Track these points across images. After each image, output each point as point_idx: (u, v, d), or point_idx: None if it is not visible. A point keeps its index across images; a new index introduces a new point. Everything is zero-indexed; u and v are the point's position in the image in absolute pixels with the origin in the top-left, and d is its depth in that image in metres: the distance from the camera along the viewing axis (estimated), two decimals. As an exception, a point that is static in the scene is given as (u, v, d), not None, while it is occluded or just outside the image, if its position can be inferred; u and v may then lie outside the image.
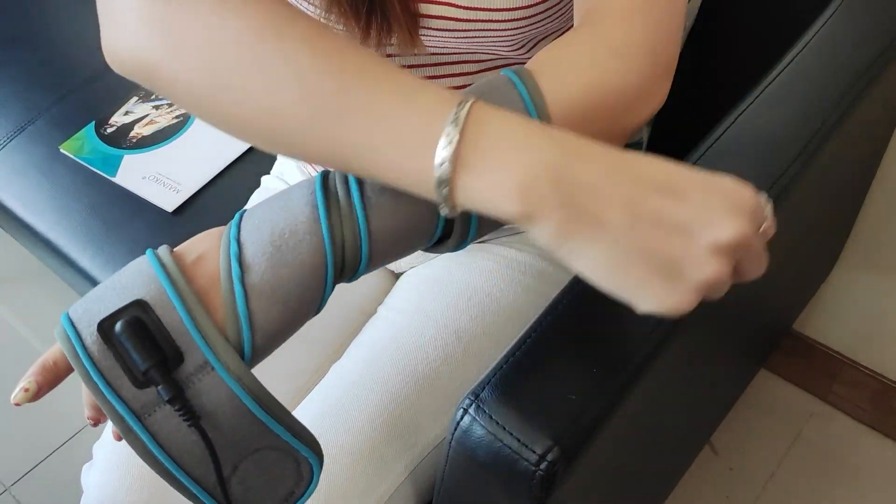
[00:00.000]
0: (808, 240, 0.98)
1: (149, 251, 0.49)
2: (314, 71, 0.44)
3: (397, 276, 0.91)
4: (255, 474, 0.50)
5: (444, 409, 0.74)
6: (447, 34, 0.67)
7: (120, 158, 1.17)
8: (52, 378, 0.49)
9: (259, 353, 0.50)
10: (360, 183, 0.49)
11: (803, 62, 0.78)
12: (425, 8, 0.65)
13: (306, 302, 0.50)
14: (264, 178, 0.99)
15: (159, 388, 0.46)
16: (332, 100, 0.44)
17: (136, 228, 1.09)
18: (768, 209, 0.45)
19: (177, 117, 1.21)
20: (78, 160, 1.17)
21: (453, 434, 0.59)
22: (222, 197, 1.11)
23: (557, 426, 0.55)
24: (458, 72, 0.72)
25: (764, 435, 1.34)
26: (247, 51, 0.45)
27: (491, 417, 0.56)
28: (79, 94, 1.28)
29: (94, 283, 1.07)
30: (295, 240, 0.48)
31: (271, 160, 1.03)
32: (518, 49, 0.70)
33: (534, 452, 0.55)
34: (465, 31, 0.66)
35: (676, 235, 0.40)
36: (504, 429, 0.56)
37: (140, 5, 0.48)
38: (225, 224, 0.98)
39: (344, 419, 0.72)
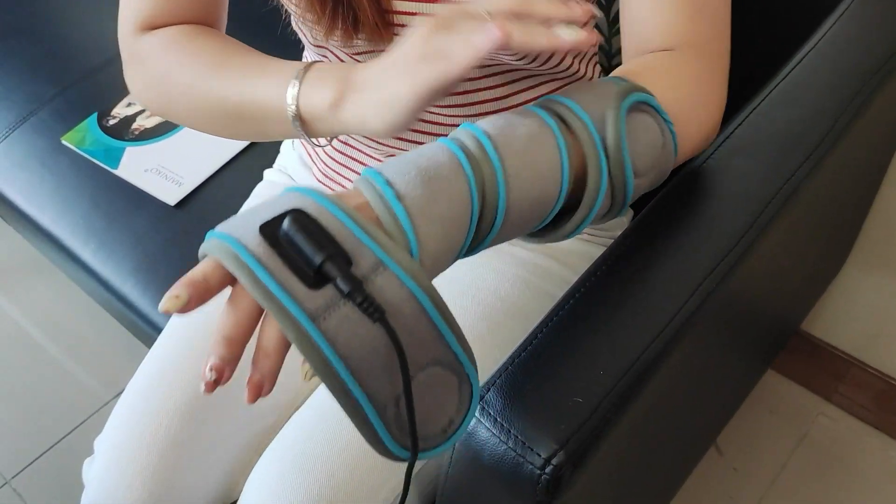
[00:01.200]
0: (817, 239, 0.97)
1: (290, 188, 0.47)
2: (219, 92, 0.66)
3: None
4: (420, 396, 0.45)
5: (449, 409, 0.73)
6: None
7: (122, 150, 1.16)
8: (202, 293, 0.43)
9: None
10: (492, 140, 0.50)
11: (815, 60, 0.77)
12: (400, 5, 0.65)
13: (457, 233, 0.49)
14: (267, 172, 0.98)
15: (337, 280, 0.42)
16: (232, 106, 0.65)
17: (137, 222, 1.08)
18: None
19: (180, 110, 1.20)
20: (80, 152, 1.17)
21: (457, 435, 0.58)
22: (225, 190, 1.10)
23: (563, 429, 0.54)
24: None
25: (769, 435, 1.33)
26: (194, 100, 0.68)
27: (496, 420, 0.56)
28: (81, 85, 1.27)
29: (95, 276, 1.07)
30: (440, 177, 0.48)
31: (274, 153, 1.02)
32: (521, 57, 0.68)
33: (539, 456, 0.54)
34: None
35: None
36: (509, 431, 0.55)
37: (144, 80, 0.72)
38: (226, 218, 0.97)
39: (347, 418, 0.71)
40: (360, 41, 0.67)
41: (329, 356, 0.42)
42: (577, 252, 0.83)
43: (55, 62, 1.32)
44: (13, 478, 1.37)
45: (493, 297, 0.78)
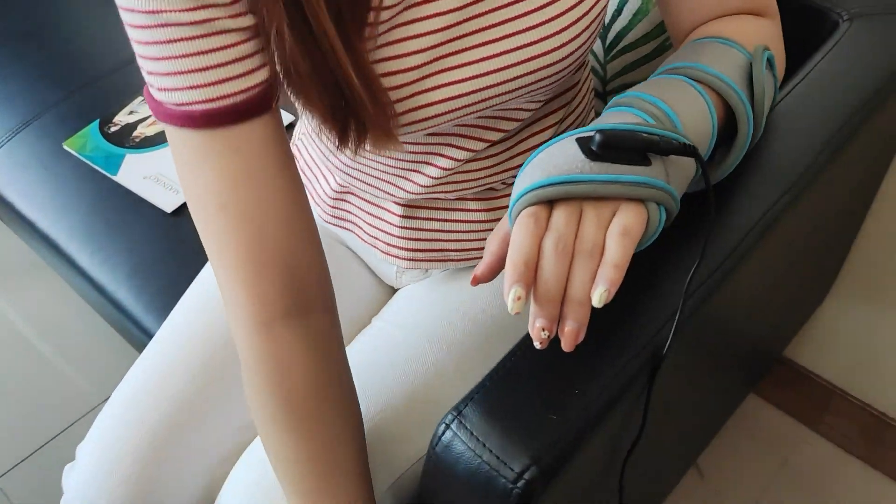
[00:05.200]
0: (798, 269, 0.98)
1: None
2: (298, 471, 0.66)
3: (395, 291, 0.91)
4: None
5: (432, 423, 0.74)
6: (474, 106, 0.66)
7: (122, 157, 1.18)
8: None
9: None
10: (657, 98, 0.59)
11: (802, 94, 0.79)
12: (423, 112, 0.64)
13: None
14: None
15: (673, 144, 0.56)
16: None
17: (134, 228, 1.10)
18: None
19: (181, 119, 1.22)
20: (81, 157, 1.18)
21: (434, 447, 0.60)
22: (222, 200, 1.11)
23: (537, 445, 0.56)
24: (477, 136, 0.72)
25: (751, 460, 1.34)
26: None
27: (472, 433, 0.57)
28: (85, 91, 1.29)
29: (90, 280, 1.08)
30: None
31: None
32: (538, 105, 0.70)
33: (512, 470, 0.55)
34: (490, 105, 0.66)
35: None
36: (484, 445, 0.56)
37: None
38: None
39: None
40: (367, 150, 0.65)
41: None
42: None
43: (60, 68, 1.34)
44: (0, 477, 1.37)
45: (483, 314, 0.79)
